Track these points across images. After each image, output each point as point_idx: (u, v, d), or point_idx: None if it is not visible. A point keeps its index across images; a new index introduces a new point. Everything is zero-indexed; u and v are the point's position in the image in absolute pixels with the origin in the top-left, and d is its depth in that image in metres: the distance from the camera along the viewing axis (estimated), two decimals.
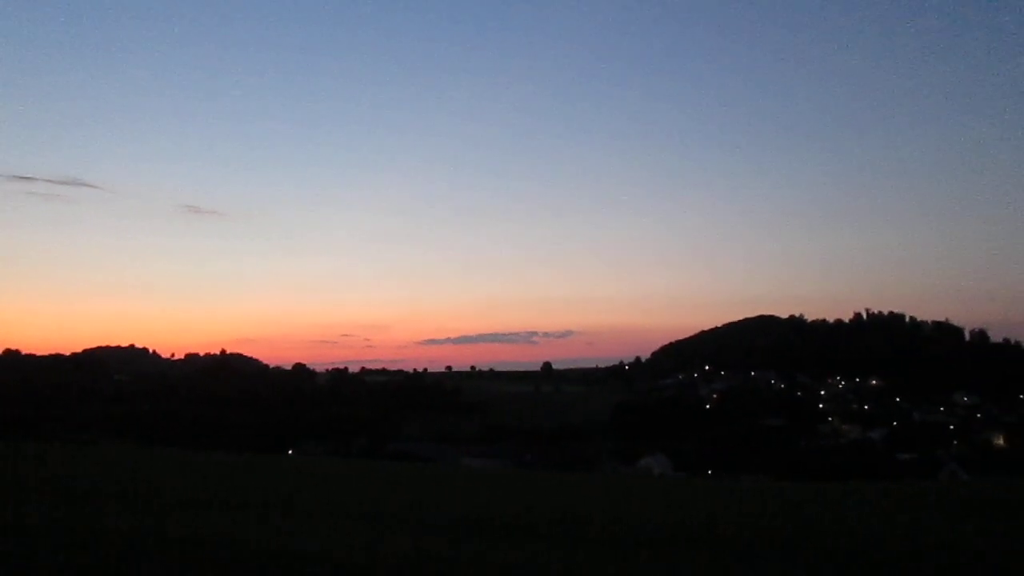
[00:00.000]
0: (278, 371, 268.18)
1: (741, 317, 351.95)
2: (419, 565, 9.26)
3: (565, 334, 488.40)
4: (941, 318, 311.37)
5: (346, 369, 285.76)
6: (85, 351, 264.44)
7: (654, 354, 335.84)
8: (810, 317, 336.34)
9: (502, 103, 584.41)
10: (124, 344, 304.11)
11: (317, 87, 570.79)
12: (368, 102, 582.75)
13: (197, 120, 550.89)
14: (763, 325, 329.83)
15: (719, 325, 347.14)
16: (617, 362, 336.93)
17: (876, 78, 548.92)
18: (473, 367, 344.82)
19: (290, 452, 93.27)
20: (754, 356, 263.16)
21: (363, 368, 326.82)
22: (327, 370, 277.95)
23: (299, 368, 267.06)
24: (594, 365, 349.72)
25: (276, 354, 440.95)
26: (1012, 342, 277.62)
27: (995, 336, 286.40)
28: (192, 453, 41.06)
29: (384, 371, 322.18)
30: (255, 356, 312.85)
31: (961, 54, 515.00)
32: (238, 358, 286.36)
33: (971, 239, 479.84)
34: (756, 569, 11.07)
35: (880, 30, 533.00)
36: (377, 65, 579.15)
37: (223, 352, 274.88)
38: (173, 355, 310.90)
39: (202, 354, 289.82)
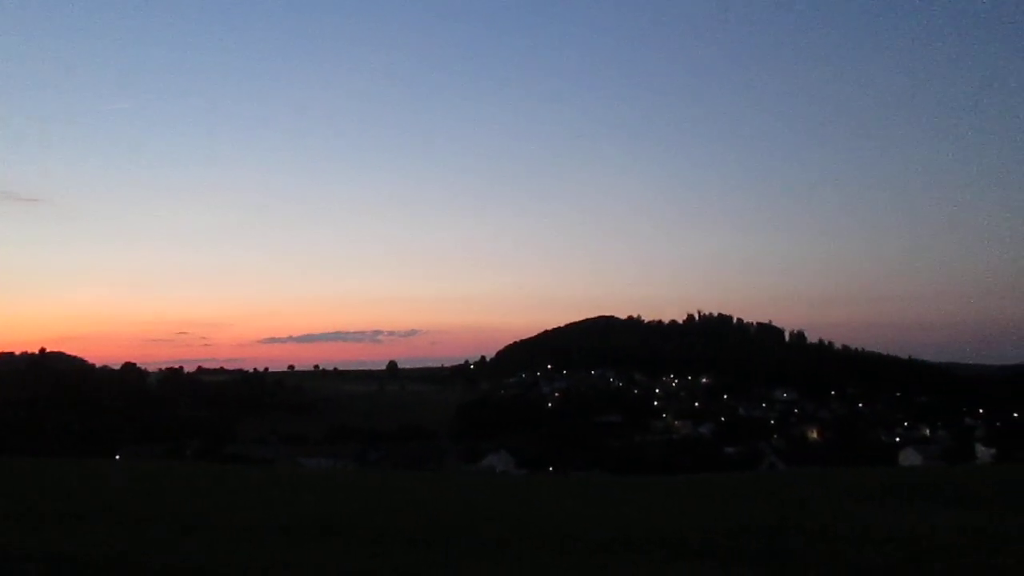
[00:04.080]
0: (105, 371, 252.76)
1: (582, 317, 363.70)
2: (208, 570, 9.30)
3: (411, 333, 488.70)
4: (765, 320, 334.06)
5: (181, 368, 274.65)
6: None
7: (499, 353, 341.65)
8: (647, 318, 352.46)
9: (342, 96, 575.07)
10: None
11: (156, 64, 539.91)
12: (212, 85, 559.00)
13: (14, 98, 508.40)
14: (603, 325, 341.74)
15: (562, 325, 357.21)
16: (463, 361, 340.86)
17: (711, 86, 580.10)
18: (317, 366, 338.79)
19: (117, 457, 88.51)
20: (594, 355, 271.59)
21: (200, 367, 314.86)
22: (160, 369, 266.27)
23: (129, 367, 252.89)
24: (440, 364, 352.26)
25: (103, 353, 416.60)
26: (826, 343, 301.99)
27: (812, 337, 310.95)
28: (6, 459, 38.32)
29: (222, 370, 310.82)
30: (79, 355, 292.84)
31: (792, 65, 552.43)
32: (59, 357, 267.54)
33: (793, 245, 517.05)
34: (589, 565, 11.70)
35: (716, 38, 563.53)
36: (225, 50, 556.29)
37: (42, 351, 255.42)
38: None
39: (18, 353, 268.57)
